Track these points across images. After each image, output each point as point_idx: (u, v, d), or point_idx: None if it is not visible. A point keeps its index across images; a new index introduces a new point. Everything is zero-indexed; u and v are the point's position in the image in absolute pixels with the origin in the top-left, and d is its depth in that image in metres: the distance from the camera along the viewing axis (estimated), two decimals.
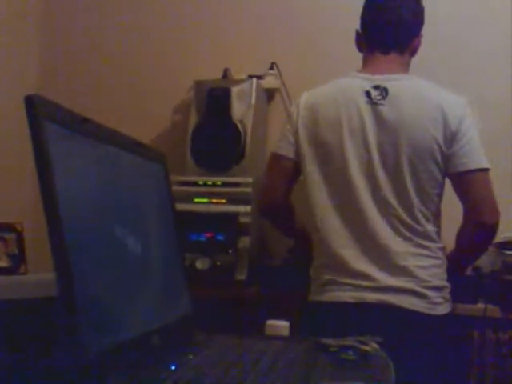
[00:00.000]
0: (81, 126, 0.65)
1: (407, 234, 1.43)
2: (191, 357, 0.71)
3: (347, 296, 1.41)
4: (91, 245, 0.61)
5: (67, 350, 0.53)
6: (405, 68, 1.56)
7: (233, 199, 1.90)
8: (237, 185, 1.91)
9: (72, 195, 0.59)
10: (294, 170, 1.56)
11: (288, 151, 1.55)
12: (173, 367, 0.64)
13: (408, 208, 1.43)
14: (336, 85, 1.54)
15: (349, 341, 0.82)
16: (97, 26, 2.45)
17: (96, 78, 2.42)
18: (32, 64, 2.42)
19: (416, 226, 1.43)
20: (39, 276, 1.80)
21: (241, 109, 2.00)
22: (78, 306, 0.54)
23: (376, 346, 0.81)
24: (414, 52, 1.58)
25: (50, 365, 1.71)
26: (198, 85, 2.06)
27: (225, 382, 0.62)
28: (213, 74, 2.17)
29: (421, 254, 1.43)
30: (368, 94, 1.47)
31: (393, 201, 1.43)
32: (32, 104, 0.56)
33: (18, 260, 1.87)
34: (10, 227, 1.88)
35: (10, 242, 1.86)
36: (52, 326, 1.68)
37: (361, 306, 1.39)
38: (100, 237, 0.63)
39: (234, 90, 2.00)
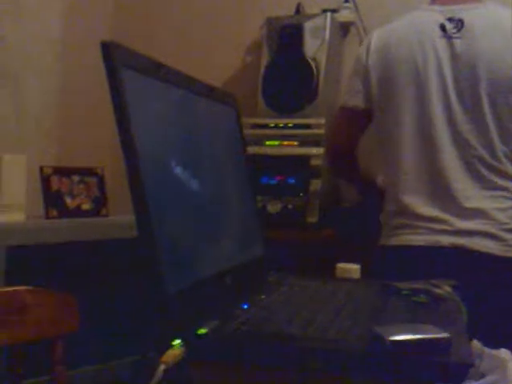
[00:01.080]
0: (155, 71, 0.66)
1: (486, 174, 1.38)
2: (263, 296, 0.73)
3: (420, 239, 1.39)
4: (168, 186, 0.63)
5: (148, 288, 0.56)
6: None
7: (304, 141, 1.89)
8: (308, 126, 1.90)
9: (149, 139, 0.61)
10: (364, 119, 1.53)
11: (357, 101, 1.51)
12: (245, 306, 0.67)
13: (488, 146, 1.37)
14: (408, 20, 1.47)
15: (421, 284, 0.82)
16: None
17: (166, 21, 2.43)
18: (106, 7, 2.45)
19: (497, 164, 1.38)
20: (120, 218, 1.89)
21: (314, 45, 1.95)
22: (157, 245, 0.57)
23: (449, 289, 0.81)
24: None
25: (131, 302, 1.82)
26: (270, 22, 2.02)
27: (295, 321, 0.63)
28: (285, 9, 2.11)
29: (499, 196, 1.38)
30: (442, 27, 1.40)
31: (472, 139, 1.38)
32: (108, 50, 0.57)
33: (100, 203, 1.96)
34: (91, 171, 1.97)
35: (91, 186, 1.95)
36: (133, 265, 1.77)
37: (434, 250, 1.38)
38: (177, 178, 0.65)
39: (307, 25, 1.94)
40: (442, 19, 1.41)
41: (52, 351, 0.93)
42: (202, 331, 0.57)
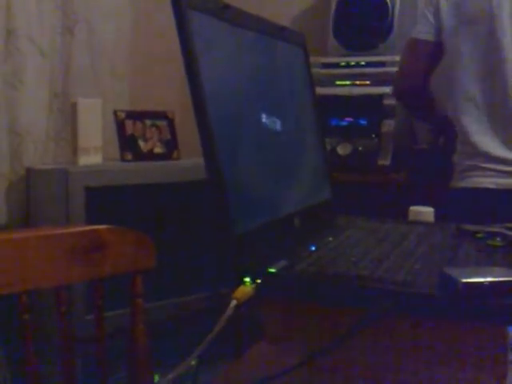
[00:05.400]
0: (223, 13, 0.66)
1: None
2: (331, 239, 0.73)
3: (489, 182, 1.35)
4: (237, 128, 0.63)
5: (217, 228, 0.57)
6: None
7: (377, 80, 1.83)
8: (382, 64, 1.83)
9: (217, 82, 0.61)
10: (435, 53, 1.47)
11: (428, 34, 1.45)
12: (313, 248, 0.67)
13: None
14: None
15: (496, 227, 0.79)
16: None
17: None
18: None
19: None
20: (192, 161, 1.93)
21: None
22: (226, 187, 0.58)
23: None
24: None
25: (203, 240, 1.88)
26: None
27: (364, 263, 0.63)
28: None
29: None
30: None
31: None
32: None
33: (171, 146, 2.01)
34: (162, 115, 2.01)
35: (163, 129, 1.99)
36: (205, 206, 1.82)
37: (504, 193, 1.33)
38: (245, 121, 0.65)
39: None
40: None
41: (132, 286, 0.99)
42: (272, 270, 0.58)
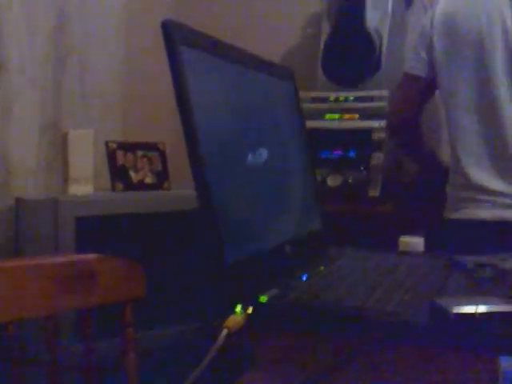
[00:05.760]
0: (214, 49, 0.67)
1: None
2: (322, 268, 0.73)
3: (485, 214, 1.36)
4: (228, 160, 0.64)
5: (208, 257, 0.57)
6: None
7: (366, 114, 1.85)
8: (371, 99, 1.86)
9: (208, 115, 0.62)
10: (427, 89, 1.51)
11: (420, 70, 1.49)
12: (304, 277, 0.67)
13: None
14: None
15: (487, 258, 0.80)
16: None
17: None
18: None
19: None
20: (182, 191, 1.93)
21: (376, 17, 1.90)
22: (218, 217, 0.58)
23: None
24: None
25: (193, 270, 1.86)
26: None
27: (355, 293, 0.64)
28: None
29: None
30: None
31: None
32: (168, 30, 0.58)
33: (162, 177, 2.01)
34: (153, 146, 2.02)
35: (154, 160, 2.00)
36: (195, 235, 1.81)
37: (499, 225, 1.34)
38: (236, 153, 0.66)
39: None
40: None
41: (122, 315, 0.98)
42: (263, 299, 0.58)
